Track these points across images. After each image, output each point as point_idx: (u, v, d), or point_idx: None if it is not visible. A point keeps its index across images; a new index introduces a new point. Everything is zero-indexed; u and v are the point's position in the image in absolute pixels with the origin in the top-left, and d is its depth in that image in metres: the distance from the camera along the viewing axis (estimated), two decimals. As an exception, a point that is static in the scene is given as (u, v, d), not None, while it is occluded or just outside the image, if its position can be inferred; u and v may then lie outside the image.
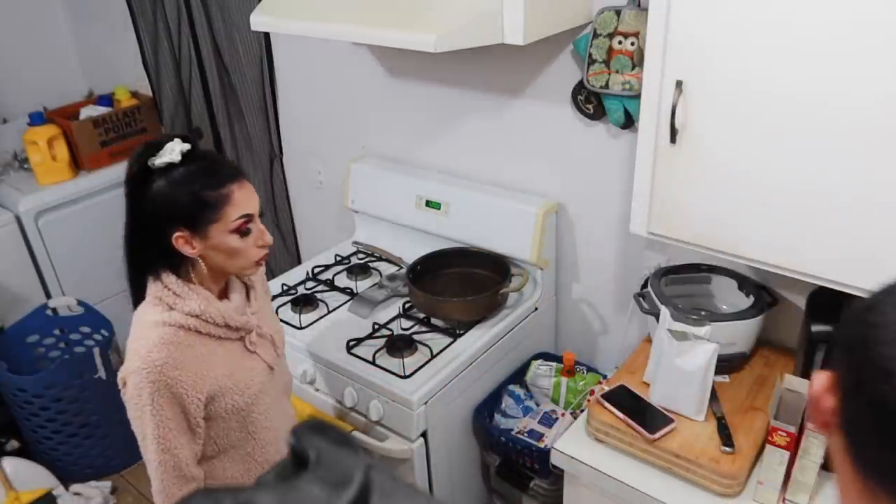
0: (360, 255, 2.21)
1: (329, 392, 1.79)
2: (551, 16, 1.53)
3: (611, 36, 1.55)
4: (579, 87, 1.71)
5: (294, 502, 0.39)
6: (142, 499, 2.52)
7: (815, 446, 1.22)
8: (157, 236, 1.21)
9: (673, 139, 1.27)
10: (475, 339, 1.78)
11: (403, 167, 2.17)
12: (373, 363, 1.70)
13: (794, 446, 1.24)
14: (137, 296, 1.29)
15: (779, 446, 1.25)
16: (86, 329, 2.62)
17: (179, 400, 1.19)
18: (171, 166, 1.19)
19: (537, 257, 1.87)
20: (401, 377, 1.65)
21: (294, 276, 2.12)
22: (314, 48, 2.26)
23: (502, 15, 1.45)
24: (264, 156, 2.56)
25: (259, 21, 1.72)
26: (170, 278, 1.24)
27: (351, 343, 1.77)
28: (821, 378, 0.57)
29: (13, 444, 2.52)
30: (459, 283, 1.93)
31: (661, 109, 1.27)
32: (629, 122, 1.64)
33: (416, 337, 1.78)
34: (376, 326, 1.83)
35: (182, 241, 1.21)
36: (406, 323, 1.85)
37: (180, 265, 1.25)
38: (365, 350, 1.75)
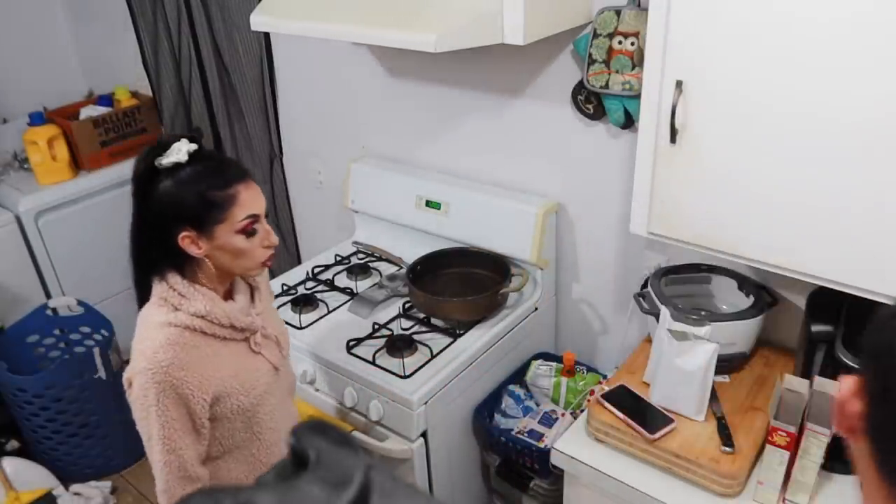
0: (360, 255, 2.21)
1: (329, 392, 1.79)
2: (551, 16, 1.53)
3: (611, 36, 1.55)
4: (579, 87, 1.71)
5: (294, 502, 0.39)
6: (142, 499, 2.52)
7: (815, 446, 1.22)
8: (163, 236, 1.21)
9: (673, 139, 1.27)
10: (475, 339, 1.78)
11: (403, 167, 2.17)
12: (373, 363, 1.70)
13: (794, 446, 1.24)
14: (143, 296, 1.29)
15: (779, 446, 1.25)
16: (86, 329, 2.62)
17: (185, 400, 1.19)
18: (177, 166, 1.19)
19: (537, 257, 1.87)
20: (401, 377, 1.65)
21: (294, 276, 2.12)
22: (314, 48, 2.26)
23: (502, 15, 1.45)
24: (264, 156, 2.56)
25: (259, 21, 1.72)
26: (175, 279, 1.24)
27: (351, 343, 1.77)
28: (848, 382, 0.56)
29: (13, 444, 2.52)
30: (459, 283, 1.93)
31: (661, 109, 1.27)
32: (629, 122, 1.64)
33: (416, 337, 1.78)
34: (376, 326, 1.83)
35: (188, 241, 1.21)
36: (406, 323, 1.85)
37: (185, 266, 1.25)
38: (365, 350, 1.75)
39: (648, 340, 1.67)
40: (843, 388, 0.57)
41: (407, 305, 1.91)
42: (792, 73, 1.11)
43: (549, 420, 1.78)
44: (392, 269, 2.13)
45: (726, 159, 1.23)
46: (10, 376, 2.32)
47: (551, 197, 1.91)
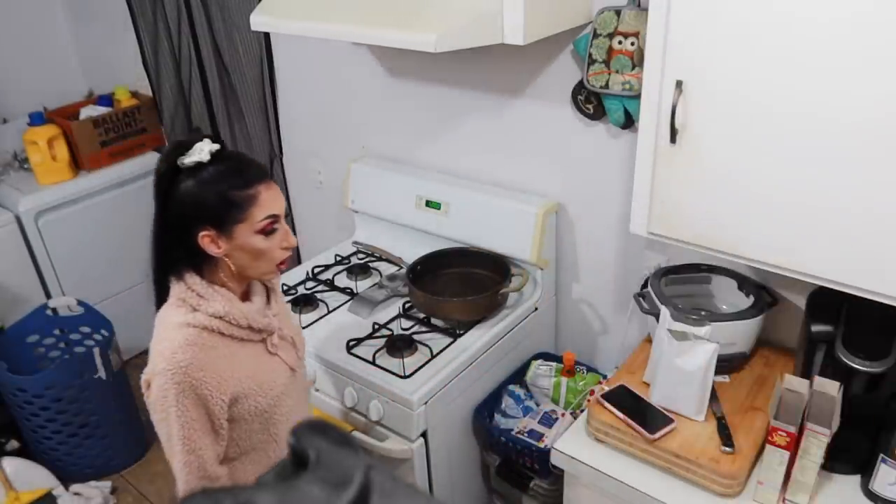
0: (360, 255, 2.21)
1: (329, 392, 1.79)
2: (551, 16, 1.53)
3: (611, 36, 1.55)
4: (579, 87, 1.71)
5: (294, 502, 0.39)
6: (142, 499, 2.52)
7: (815, 446, 1.22)
8: (183, 235, 1.22)
9: (673, 139, 1.27)
10: (475, 339, 1.78)
11: (403, 167, 2.17)
12: (373, 363, 1.70)
13: (794, 446, 1.24)
14: (161, 297, 1.29)
15: (779, 446, 1.25)
16: (86, 329, 2.62)
17: (204, 401, 1.19)
18: (199, 166, 1.20)
19: (537, 257, 1.87)
20: (401, 377, 1.65)
21: (294, 276, 2.12)
22: (314, 48, 2.26)
23: (502, 15, 1.45)
24: (264, 156, 2.56)
25: (259, 21, 1.72)
26: (193, 279, 1.24)
27: (351, 343, 1.77)
28: None
29: (13, 444, 2.52)
30: (459, 283, 1.93)
31: (661, 109, 1.27)
32: (629, 122, 1.64)
33: (416, 337, 1.78)
34: (376, 326, 1.83)
35: (208, 241, 1.21)
36: (406, 323, 1.85)
37: (204, 266, 1.25)
38: (365, 350, 1.75)
39: (648, 340, 1.67)
40: None
41: (407, 305, 1.91)
42: (792, 73, 1.11)
43: (549, 420, 1.78)
44: (392, 269, 2.13)
45: (726, 159, 1.23)
46: (10, 376, 2.32)
47: (551, 197, 1.91)
